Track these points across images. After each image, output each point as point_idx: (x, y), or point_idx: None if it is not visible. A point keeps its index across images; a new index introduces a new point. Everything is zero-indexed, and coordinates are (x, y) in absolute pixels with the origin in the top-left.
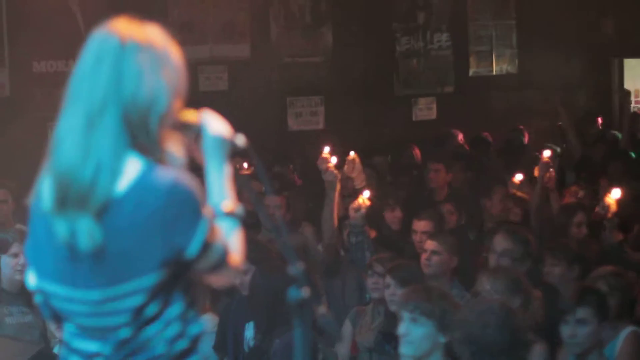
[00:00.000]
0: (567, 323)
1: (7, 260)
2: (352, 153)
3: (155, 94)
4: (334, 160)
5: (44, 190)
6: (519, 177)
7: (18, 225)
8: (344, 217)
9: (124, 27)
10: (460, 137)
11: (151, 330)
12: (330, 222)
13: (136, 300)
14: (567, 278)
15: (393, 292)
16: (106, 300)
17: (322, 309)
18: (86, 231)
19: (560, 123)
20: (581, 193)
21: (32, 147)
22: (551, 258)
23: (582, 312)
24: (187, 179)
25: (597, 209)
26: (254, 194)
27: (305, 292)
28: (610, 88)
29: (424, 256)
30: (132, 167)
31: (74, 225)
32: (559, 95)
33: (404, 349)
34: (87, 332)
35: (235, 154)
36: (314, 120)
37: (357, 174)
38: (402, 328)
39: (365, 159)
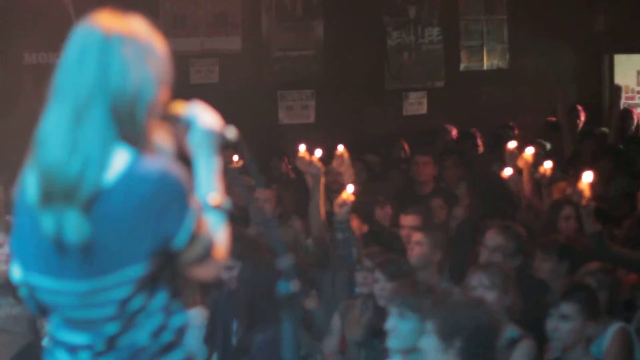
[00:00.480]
0: (551, 317)
1: None
2: (340, 147)
3: (142, 85)
4: (318, 153)
5: (29, 183)
6: (508, 172)
7: (8, 217)
8: (331, 212)
9: (107, 20)
10: (454, 132)
11: (137, 323)
12: (317, 216)
13: (123, 292)
14: (557, 273)
15: (382, 286)
16: (93, 291)
17: (310, 303)
18: (73, 225)
19: (552, 118)
20: (569, 189)
21: (23, 139)
22: (541, 253)
23: (567, 308)
24: (175, 169)
25: (571, 196)
26: (244, 187)
27: (294, 285)
28: (601, 84)
29: (408, 247)
30: (120, 158)
31: (61, 218)
32: (556, 90)
33: (392, 343)
34: (73, 324)
35: (225, 147)
36: (305, 114)
37: (346, 169)
38: (389, 323)
39: (355, 154)
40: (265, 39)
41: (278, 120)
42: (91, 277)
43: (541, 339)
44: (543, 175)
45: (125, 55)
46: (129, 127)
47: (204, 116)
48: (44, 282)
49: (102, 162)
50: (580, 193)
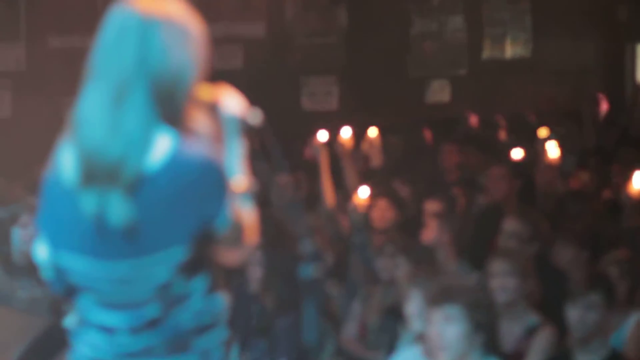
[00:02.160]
0: (576, 307)
1: (17, 232)
2: (372, 131)
3: (181, 67)
4: (347, 133)
5: (65, 163)
6: (518, 154)
7: (31, 198)
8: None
9: (145, 2)
10: (474, 119)
11: (179, 306)
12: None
13: (162, 275)
14: (577, 261)
15: (403, 271)
16: (132, 272)
17: (332, 287)
18: (117, 206)
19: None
20: (585, 177)
21: (48, 122)
22: (561, 241)
23: (592, 298)
24: (215, 153)
25: (622, 197)
26: (268, 171)
27: (316, 270)
28: (624, 73)
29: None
30: (163, 142)
31: (104, 200)
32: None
33: (417, 326)
34: (111, 306)
35: (250, 131)
36: (328, 100)
37: (375, 153)
38: (412, 306)
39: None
40: (289, 25)
41: (301, 106)
42: (131, 257)
43: (560, 327)
44: (553, 167)
45: (165, 38)
46: (168, 109)
47: (229, 99)
48: (80, 263)
49: (145, 144)
50: (629, 195)
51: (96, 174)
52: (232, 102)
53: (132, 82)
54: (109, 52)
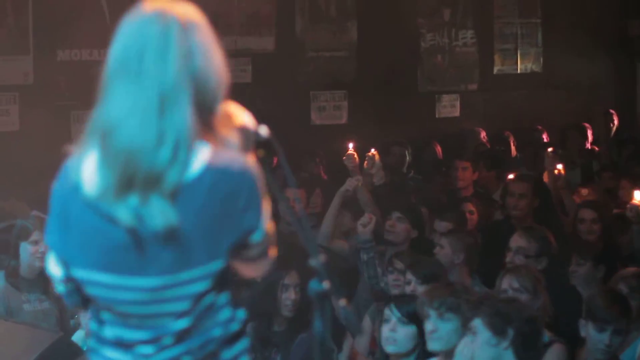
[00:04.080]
0: (604, 332)
1: (26, 247)
2: (372, 150)
3: (220, 72)
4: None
5: (87, 176)
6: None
7: (35, 212)
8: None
9: (174, 6)
10: (483, 134)
11: (208, 315)
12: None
13: (200, 287)
14: (592, 278)
15: (414, 288)
16: (167, 287)
17: (343, 302)
18: (158, 211)
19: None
20: (585, 191)
21: (55, 135)
22: (576, 258)
23: (620, 323)
24: (253, 162)
25: (627, 212)
26: (276, 185)
27: (326, 285)
28: (635, 88)
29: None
30: (202, 151)
31: (142, 208)
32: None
33: (433, 345)
34: (131, 320)
35: (258, 145)
36: (338, 114)
37: (377, 171)
38: (429, 325)
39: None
40: (299, 39)
41: (310, 120)
42: (168, 272)
43: (572, 344)
44: (558, 177)
45: (204, 42)
46: (207, 117)
47: (236, 115)
48: (104, 278)
49: (191, 149)
50: (635, 209)
51: (136, 180)
52: (240, 115)
53: (178, 85)
54: (150, 56)
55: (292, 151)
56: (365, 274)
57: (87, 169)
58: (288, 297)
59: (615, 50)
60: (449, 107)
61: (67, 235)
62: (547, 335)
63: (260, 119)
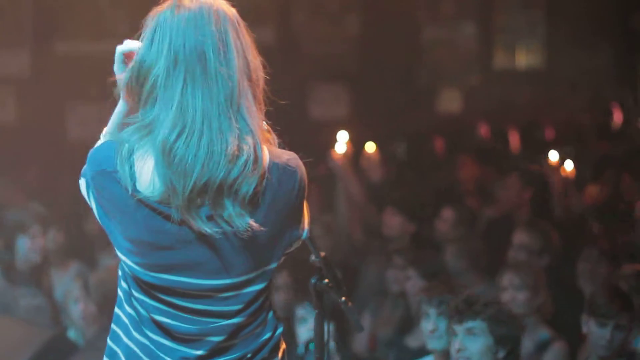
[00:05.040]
0: (605, 327)
1: (24, 241)
2: (369, 146)
3: (258, 64)
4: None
5: (143, 174)
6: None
7: (34, 204)
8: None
9: (218, 2)
10: (484, 129)
11: (260, 317)
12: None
13: (257, 287)
14: (597, 275)
15: (414, 284)
16: (230, 287)
17: (344, 299)
18: (236, 215)
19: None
20: (598, 189)
21: (53, 129)
22: (582, 254)
23: (622, 319)
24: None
25: (636, 211)
26: None
27: (326, 281)
28: (637, 83)
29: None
30: (264, 150)
31: (217, 215)
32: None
33: (433, 344)
34: (183, 314)
35: None
36: (337, 108)
37: (374, 168)
38: (429, 324)
39: (387, 150)
40: (298, 32)
41: (310, 115)
42: (237, 275)
43: (573, 341)
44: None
45: (247, 37)
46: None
47: None
48: (170, 278)
49: (262, 151)
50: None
51: (210, 188)
52: None
53: (242, 88)
54: (212, 58)
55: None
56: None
57: (143, 171)
58: (279, 298)
59: (618, 45)
60: (449, 101)
61: (136, 240)
62: (547, 333)
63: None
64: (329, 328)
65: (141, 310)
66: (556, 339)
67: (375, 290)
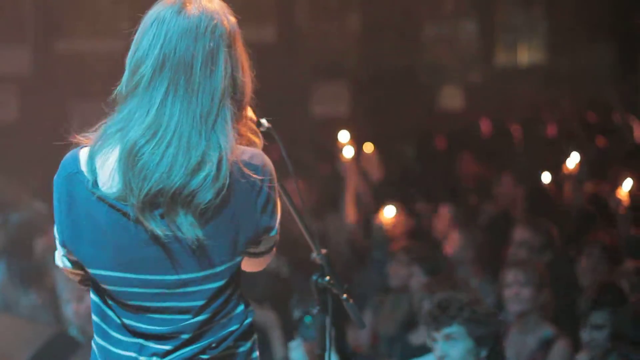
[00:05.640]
0: (585, 327)
1: (39, 243)
2: (368, 147)
3: (250, 81)
4: (344, 136)
5: (104, 173)
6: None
7: (37, 204)
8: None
9: (216, 9)
10: (487, 126)
11: (225, 310)
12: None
13: (217, 283)
14: (598, 272)
15: (418, 280)
16: (187, 282)
17: (345, 296)
18: (187, 226)
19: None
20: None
21: (54, 126)
22: (583, 251)
23: (598, 317)
24: (269, 158)
25: (610, 204)
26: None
27: (327, 278)
28: (639, 81)
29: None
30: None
31: (169, 221)
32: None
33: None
34: (146, 313)
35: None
36: (338, 106)
37: (373, 168)
38: None
39: (388, 147)
40: (300, 30)
41: (311, 112)
42: (191, 271)
43: (575, 338)
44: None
45: (241, 52)
46: (238, 122)
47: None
48: (117, 275)
49: (227, 166)
50: (618, 200)
51: (165, 195)
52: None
53: (224, 103)
54: (199, 71)
55: (291, 142)
56: (375, 272)
57: (104, 167)
58: None
59: (619, 41)
60: (451, 98)
61: (79, 232)
62: (550, 330)
63: (260, 110)
64: (330, 325)
65: (113, 315)
66: (560, 336)
67: (377, 287)
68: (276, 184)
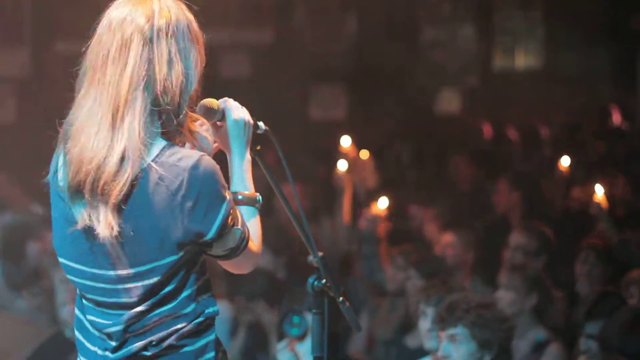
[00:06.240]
0: (582, 336)
1: (34, 246)
2: (364, 153)
3: (186, 76)
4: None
5: (59, 168)
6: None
7: (34, 206)
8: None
9: (149, 6)
10: (487, 130)
11: (166, 308)
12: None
13: (151, 280)
14: (599, 278)
15: (414, 284)
16: (121, 279)
17: (342, 299)
18: (104, 221)
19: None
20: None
21: (53, 128)
22: (581, 256)
23: (593, 327)
24: (209, 161)
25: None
26: (275, 180)
27: (324, 281)
28: (636, 83)
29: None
30: (155, 148)
31: (91, 212)
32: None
33: (430, 344)
34: (101, 308)
35: (256, 141)
36: (336, 109)
37: (369, 174)
38: (426, 324)
39: (386, 150)
40: (298, 32)
41: (309, 114)
42: (119, 267)
43: (570, 342)
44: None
45: (171, 46)
46: (171, 119)
47: (234, 110)
48: (74, 267)
49: (140, 158)
50: (597, 205)
51: (85, 188)
52: (238, 111)
53: (134, 92)
54: (110, 58)
55: (290, 146)
56: (364, 266)
57: (60, 161)
58: None
59: (616, 44)
60: (449, 101)
61: (54, 225)
62: (543, 334)
63: (257, 113)
64: (327, 328)
65: (85, 309)
66: (552, 339)
67: (373, 290)
68: (224, 190)
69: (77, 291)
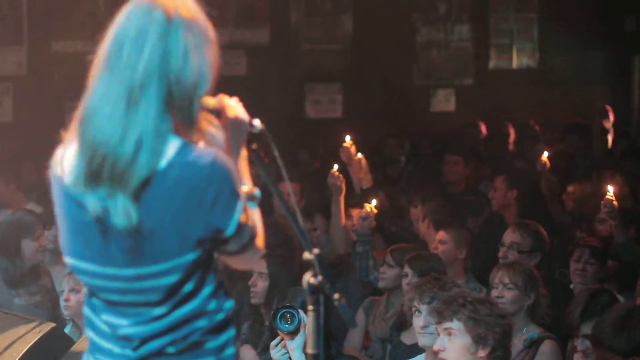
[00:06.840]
0: (577, 337)
1: (29, 244)
2: (359, 154)
3: (200, 73)
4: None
5: (67, 164)
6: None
7: (30, 205)
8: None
9: (166, 1)
10: (483, 128)
11: (189, 307)
12: (338, 231)
13: (171, 278)
14: (594, 277)
15: (410, 282)
16: (140, 277)
17: (337, 296)
18: (122, 210)
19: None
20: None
21: (49, 127)
22: (574, 255)
23: (588, 328)
24: (225, 158)
25: (602, 210)
26: (271, 179)
27: (319, 278)
28: (631, 84)
29: (432, 245)
30: (172, 146)
31: (108, 202)
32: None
33: (424, 340)
34: (116, 307)
35: (252, 139)
36: (332, 108)
37: (364, 175)
38: (420, 320)
39: (381, 149)
40: (294, 32)
41: (305, 114)
42: (138, 265)
43: (564, 341)
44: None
45: (187, 40)
46: (184, 115)
47: (230, 108)
48: (87, 266)
49: (157, 147)
50: (610, 206)
51: (102, 174)
52: (234, 109)
53: (148, 81)
54: (126, 47)
55: (286, 144)
56: (357, 265)
57: (68, 157)
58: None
59: (611, 46)
60: (444, 101)
61: (60, 224)
62: (537, 331)
63: (254, 112)
64: (323, 325)
65: (96, 308)
66: (546, 337)
67: (368, 288)
68: (238, 186)
69: (86, 290)
